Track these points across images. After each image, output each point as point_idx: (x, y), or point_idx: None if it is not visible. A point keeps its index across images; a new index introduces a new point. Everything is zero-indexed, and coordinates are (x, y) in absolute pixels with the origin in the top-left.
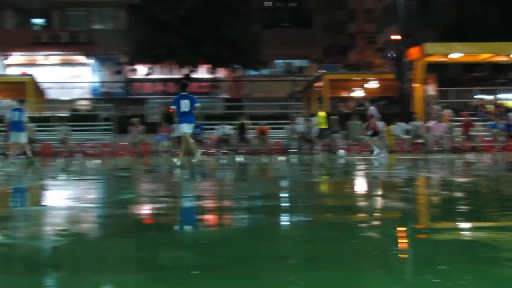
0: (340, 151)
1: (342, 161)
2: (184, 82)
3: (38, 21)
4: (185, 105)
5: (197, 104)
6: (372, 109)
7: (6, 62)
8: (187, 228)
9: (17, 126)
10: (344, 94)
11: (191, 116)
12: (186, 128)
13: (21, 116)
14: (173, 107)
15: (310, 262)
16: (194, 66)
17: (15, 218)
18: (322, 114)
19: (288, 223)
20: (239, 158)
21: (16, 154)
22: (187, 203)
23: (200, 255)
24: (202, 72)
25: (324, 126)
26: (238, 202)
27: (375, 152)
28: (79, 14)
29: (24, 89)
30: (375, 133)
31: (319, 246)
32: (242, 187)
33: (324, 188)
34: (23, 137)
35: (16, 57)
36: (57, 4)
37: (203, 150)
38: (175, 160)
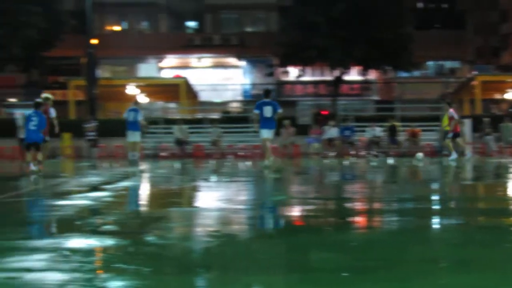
0: (419, 154)
1: (494, 163)
2: (268, 89)
3: (191, 24)
4: (267, 111)
5: (279, 111)
6: (451, 111)
7: (160, 64)
8: (337, 230)
9: (133, 126)
10: (497, 96)
11: (272, 122)
12: (265, 134)
13: (136, 116)
14: (256, 111)
15: (462, 265)
16: (345, 68)
17: (168, 219)
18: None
19: (438, 225)
20: (390, 160)
21: (135, 153)
22: (337, 205)
23: (350, 257)
24: (353, 74)
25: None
26: (388, 204)
27: (453, 156)
28: (231, 17)
29: (177, 91)
30: (456, 134)
31: (470, 249)
32: (392, 189)
33: (475, 190)
34: (138, 136)
35: (170, 60)
36: (210, 7)
37: (353, 152)
38: (265, 162)
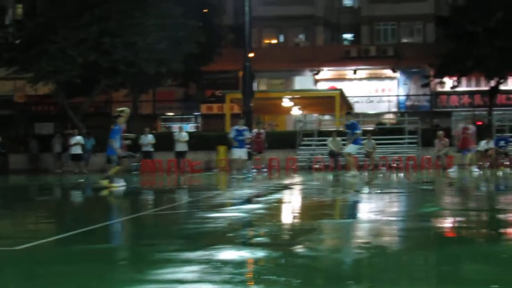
0: (473, 168)
1: None
2: (349, 111)
3: (348, 36)
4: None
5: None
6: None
7: (316, 77)
8: (489, 241)
9: (240, 143)
10: None
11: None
12: (350, 149)
13: (243, 134)
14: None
15: None
16: (502, 77)
17: (319, 231)
18: None
19: None
20: None
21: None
22: (489, 216)
23: (502, 269)
24: (510, 84)
25: None
26: None
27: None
28: (387, 28)
29: (332, 103)
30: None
31: None
32: None
33: None
34: (238, 153)
35: (326, 72)
36: (367, 19)
37: (508, 163)
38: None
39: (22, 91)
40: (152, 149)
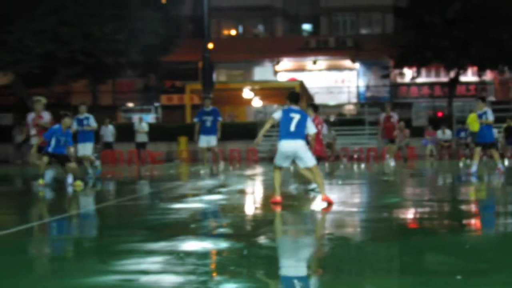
0: None
1: None
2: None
3: (307, 27)
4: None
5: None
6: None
7: (276, 68)
8: (451, 232)
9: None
10: None
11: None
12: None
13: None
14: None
15: None
16: (461, 68)
17: (280, 222)
18: None
19: None
20: (506, 162)
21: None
22: (451, 208)
23: (464, 260)
24: (469, 75)
25: None
26: (505, 207)
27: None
28: (346, 19)
29: None
30: None
31: None
32: (508, 191)
33: None
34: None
35: (285, 63)
36: (326, 9)
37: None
38: None
39: None
40: (112, 140)
